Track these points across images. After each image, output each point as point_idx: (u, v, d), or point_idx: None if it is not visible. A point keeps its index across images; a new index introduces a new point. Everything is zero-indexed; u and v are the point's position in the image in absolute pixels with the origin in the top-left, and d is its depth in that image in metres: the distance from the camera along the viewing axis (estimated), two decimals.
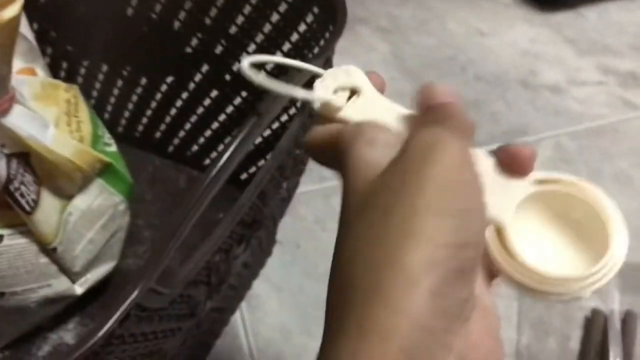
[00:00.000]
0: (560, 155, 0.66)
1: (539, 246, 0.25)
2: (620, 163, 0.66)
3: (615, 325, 0.51)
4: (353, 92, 0.28)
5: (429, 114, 0.24)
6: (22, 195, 0.40)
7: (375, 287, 0.19)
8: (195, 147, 0.60)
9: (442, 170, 0.21)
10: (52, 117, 0.44)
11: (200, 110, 0.57)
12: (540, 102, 0.72)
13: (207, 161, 0.60)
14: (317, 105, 0.27)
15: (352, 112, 0.27)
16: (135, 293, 0.28)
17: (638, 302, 0.53)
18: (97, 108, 0.59)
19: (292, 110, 0.49)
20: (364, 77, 0.28)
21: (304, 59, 0.36)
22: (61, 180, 0.43)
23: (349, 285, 0.20)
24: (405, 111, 0.26)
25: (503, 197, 0.24)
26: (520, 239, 0.24)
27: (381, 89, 0.28)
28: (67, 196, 0.45)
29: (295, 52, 0.47)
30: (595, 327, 0.52)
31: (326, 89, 0.27)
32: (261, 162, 0.55)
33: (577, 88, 0.74)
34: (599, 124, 0.70)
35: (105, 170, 0.47)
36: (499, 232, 0.24)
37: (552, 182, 0.25)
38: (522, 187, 0.24)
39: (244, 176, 0.57)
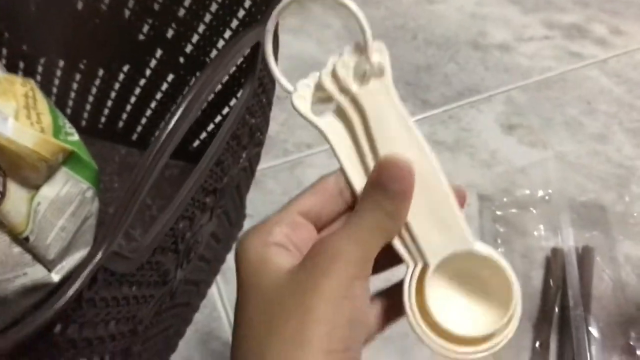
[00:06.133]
0: (512, 109, 0.68)
1: (452, 306, 0.26)
2: (570, 111, 0.68)
3: (572, 260, 0.53)
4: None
5: (370, 196, 0.25)
6: None
7: None
8: (158, 133, 0.61)
9: (334, 287, 0.23)
10: (11, 111, 0.45)
11: (159, 95, 0.58)
12: (490, 61, 0.74)
13: None
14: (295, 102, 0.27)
15: (364, 97, 0.26)
16: (99, 255, 0.29)
17: (593, 238, 0.56)
18: (58, 104, 0.60)
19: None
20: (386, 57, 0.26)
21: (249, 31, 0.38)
22: (26, 170, 0.45)
23: None
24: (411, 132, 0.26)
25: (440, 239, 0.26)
26: (436, 299, 0.26)
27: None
28: (34, 186, 0.46)
29: (243, 27, 0.49)
30: (554, 264, 0.55)
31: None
32: (210, 126, 0.57)
33: (524, 44, 0.76)
34: (548, 76, 0.72)
35: (69, 159, 0.48)
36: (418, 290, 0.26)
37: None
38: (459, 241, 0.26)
39: (196, 143, 0.59)
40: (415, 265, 0.26)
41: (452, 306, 0.26)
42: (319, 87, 0.27)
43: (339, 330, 0.23)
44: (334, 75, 0.26)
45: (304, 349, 0.22)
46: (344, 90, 0.26)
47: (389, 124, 0.26)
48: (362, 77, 0.26)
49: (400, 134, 0.26)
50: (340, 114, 0.27)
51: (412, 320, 0.25)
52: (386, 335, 0.27)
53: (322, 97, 0.27)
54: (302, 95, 0.27)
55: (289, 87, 0.27)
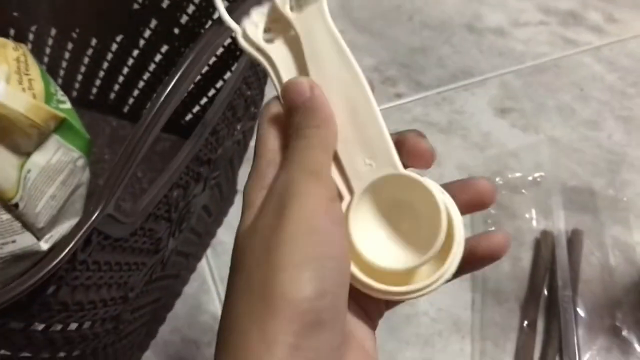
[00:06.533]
0: (505, 93, 0.69)
1: (378, 239, 0.25)
2: (563, 97, 0.69)
3: (562, 242, 0.54)
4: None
5: (293, 124, 0.25)
6: None
7: (243, 356, 0.20)
8: (154, 96, 0.60)
9: (295, 225, 0.21)
10: (2, 75, 0.45)
11: (152, 67, 0.57)
12: (485, 45, 0.74)
13: None
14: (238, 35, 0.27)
15: (298, 23, 0.26)
16: (94, 217, 0.29)
17: (582, 220, 0.57)
18: (50, 73, 0.59)
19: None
20: None
21: None
22: (16, 136, 0.44)
23: (223, 349, 0.22)
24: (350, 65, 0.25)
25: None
26: (361, 230, 0.24)
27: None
28: (24, 153, 0.45)
29: None
30: (544, 247, 0.55)
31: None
32: (203, 100, 0.56)
33: (519, 29, 0.76)
34: (542, 61, 0.72)
35: (60, 126, 0.47)
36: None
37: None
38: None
39: (188, 117, 0.58)
40: (347, 197, 0.25)
41: (378, 239, 0.25)
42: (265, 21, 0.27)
43: (306, 273, 0.21)
44: (274, 7, 0.27)
45: (269, 307, 0.20)
46: (282, 18, 0.27)
47: (321, 48, 0.26)
48: (299, 4, 0.27)
49: (332, 58, 0.26)
50: (280, 46, 0.27)
51: None
52: None
53: (268, 36, 0.27)
54: (248, 34, 0.27)
55: (235, 26, 0.27)
